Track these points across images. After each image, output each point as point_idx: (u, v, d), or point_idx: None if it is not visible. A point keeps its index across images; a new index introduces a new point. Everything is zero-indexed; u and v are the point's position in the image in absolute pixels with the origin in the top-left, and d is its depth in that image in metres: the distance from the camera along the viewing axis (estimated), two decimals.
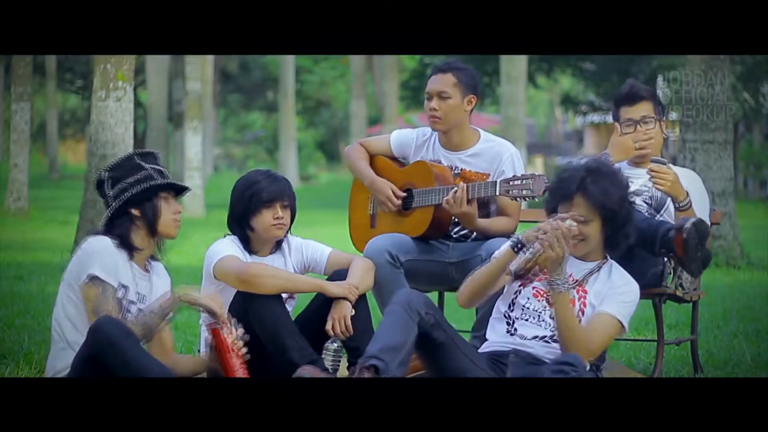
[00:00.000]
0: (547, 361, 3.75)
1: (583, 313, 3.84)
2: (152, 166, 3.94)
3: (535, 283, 3.89)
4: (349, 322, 4.13)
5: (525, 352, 3.82)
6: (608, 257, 3.93)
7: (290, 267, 4.33)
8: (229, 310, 4.13)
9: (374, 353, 3.68)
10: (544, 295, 3.84)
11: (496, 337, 3.90)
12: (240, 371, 3.87)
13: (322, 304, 4.22)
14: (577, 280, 3.85)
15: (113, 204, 3.87)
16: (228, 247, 4.23)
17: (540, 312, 3.86)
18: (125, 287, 3.84)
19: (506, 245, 3.88)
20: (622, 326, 3.84)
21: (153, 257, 4.00)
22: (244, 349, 3.91)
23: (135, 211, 3.88)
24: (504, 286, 3.95)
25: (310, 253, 4.37)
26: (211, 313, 3.86)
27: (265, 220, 4.22)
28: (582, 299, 3.85)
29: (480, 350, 3.93)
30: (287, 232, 4.31)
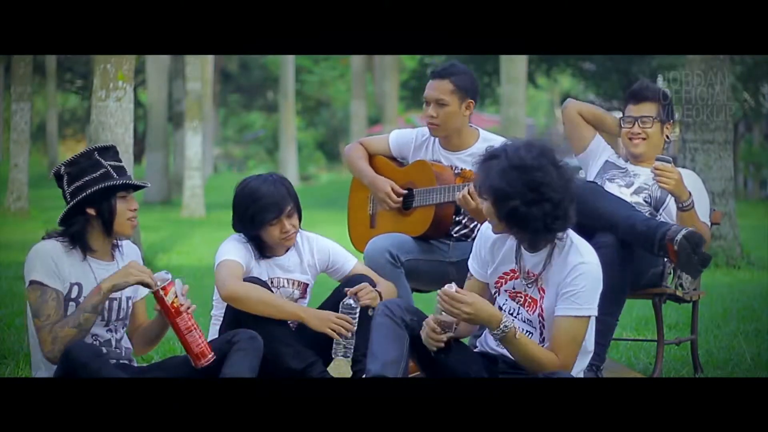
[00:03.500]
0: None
1: (543, 318, 3.68)
2: (111, 162, 3.85)
3: (505, 286, 3.78)
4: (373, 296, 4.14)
5: (511, 359, 3.76)
6: (559, 238, 3.63)
7: (306, 265, 4.31)
8: (224, 315, 4.14)
9: (378, 372, 3.65)
10: (517, 295, 3.75)
11: (489, 339, 3.89)
12: (190, 332, 3.75)
13: (333, 305, 4.20)
14: (536, 275, 3.68)
15: (70, 202, 3.82)
16: (232, 250, 4.19)
17: (515, 316, 3.74)
18: (78, 285, 3.81)
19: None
20: (586, 317, 3.60)
21: (119, 246, 3.95)
22: (187, 302, 3.79)
23: (91, 211, 3.82)
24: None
25: (335, 258, 4.33)
26: (145, 285, 3.79)
27: (274, 235, 4.19)
28: (542, 300, 3.69)
29: (477, 348, 3.92)
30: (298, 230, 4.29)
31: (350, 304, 4.11)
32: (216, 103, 34.81)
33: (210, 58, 27.32)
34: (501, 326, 3.55)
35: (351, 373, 4.12)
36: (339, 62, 35.99)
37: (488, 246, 3.82)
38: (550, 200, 3.51)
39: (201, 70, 20.63)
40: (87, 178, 3.81)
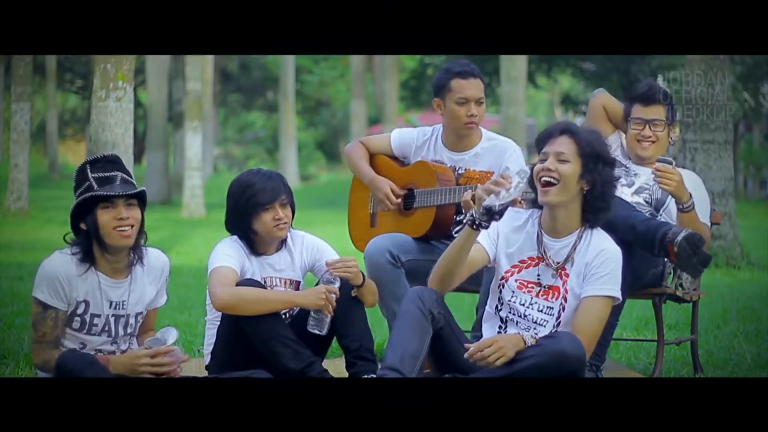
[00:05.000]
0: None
1: (566, 300, 3.76)
2: (97, 174, 3.78)
3: (518, 275, 3.83)
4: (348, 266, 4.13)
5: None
6: (587, 226, 3.80)
7: (297, 263, 4.30)
8: (221, 318, 4.14)
9: (395, 365, 3.63)
10: (529, 285, 3.81)
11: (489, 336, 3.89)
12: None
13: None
14: (558, 263, 3.78)
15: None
16: (224, 255, 4.17)
17: (527, 308, 3.81)
18: (85, 302, 3.79)
19: (465, 227, 3.72)
20: (612, 298, 3.74)
21: (139, 259, 3.89)
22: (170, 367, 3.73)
23: (83, 226, 3.78)
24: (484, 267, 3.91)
25: (321, 254, 4.31)
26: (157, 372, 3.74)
27: (266, 222, 4.18)
28: (565, 285, 3.77)
29: None
30: (290, 227, 4.28)
31: (329, 279, 4.11)
32: (216, 103, 34.81)
33: (210, 58, 27.33)
34: (527, 342, 3.61)
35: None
36: (339, 62, 36.00)
37: (510, 230, 3.86)
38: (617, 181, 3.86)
39: (201, 70, 20.63)
40: (77, 193, 3.80)
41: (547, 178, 3.72)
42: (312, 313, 4.09)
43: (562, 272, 3.78)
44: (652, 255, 4.30)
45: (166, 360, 3.68)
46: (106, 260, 3.82)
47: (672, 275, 4.68)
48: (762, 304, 7.12)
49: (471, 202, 4.36)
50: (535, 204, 3.85)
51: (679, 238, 4.12)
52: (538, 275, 3.80)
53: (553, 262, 3.78)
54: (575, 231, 3.79)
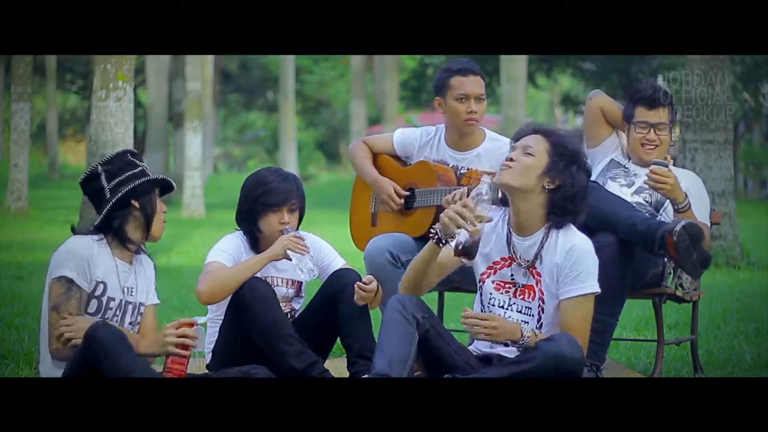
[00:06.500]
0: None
1: (543, 302, 3.74)
2: (144, 164, 3.93)
3: (494, 276, 3.81)
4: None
5: (508, 358, 3.76)
6: (552, 226, 3.75)
7: (298, 264, 4.29)
8: (224, 317, 4.16)
9: (384, 370, 3.64)
10: (506, 285, 3.80)
11: (479, 342, 3.89)
12: (170, 372, 3.74)
13: (323, 303, 4.22)
14: (528, 261, 3.76)
15: (110, 196, 3.84)
16: (218, 251, 4.19)
17: (506, 309, 3.79)
18: (104, 283, 3.83)
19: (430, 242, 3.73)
20: (593, 294, 3.71)
21: (138, 251, 3.96)
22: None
23: (135, 203, 3.85)
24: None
25: (324, 255, 4.32)
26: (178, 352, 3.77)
27: (271, 223, 4.19)
28: (539, 285, 3.75)
29: (475, 353, 3.91)
30: (296, 230, 4.28)
31: (286, 230, 4.16)
32: (216, 103, 34.82)
33: (210, 58, 27.32)
34: (524, 334, 3.61)
35: None
36: (339, 62, 36.00)
37: (486, 231, 3.82)
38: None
39: (201, 70, 20.65)
40: (128, 174, 3.86)
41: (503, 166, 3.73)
42: (296, 262, 4.11)
43: (533, 271, 3.76)
44: (651, 254, 4.30)
45: (191, 332, 3.70)
46: (130, 245, 3.88)
47: (672, 275, 4.68)
48: (762, 304, 7.12)
49: (451, 200, 4.35)
50: (503, 203, 3.83)
51: (678, 227, 4.12)
52: (512, 275, 3.79)
53: (523, 261, 3.77)
54: (540, 229, 3.75)
